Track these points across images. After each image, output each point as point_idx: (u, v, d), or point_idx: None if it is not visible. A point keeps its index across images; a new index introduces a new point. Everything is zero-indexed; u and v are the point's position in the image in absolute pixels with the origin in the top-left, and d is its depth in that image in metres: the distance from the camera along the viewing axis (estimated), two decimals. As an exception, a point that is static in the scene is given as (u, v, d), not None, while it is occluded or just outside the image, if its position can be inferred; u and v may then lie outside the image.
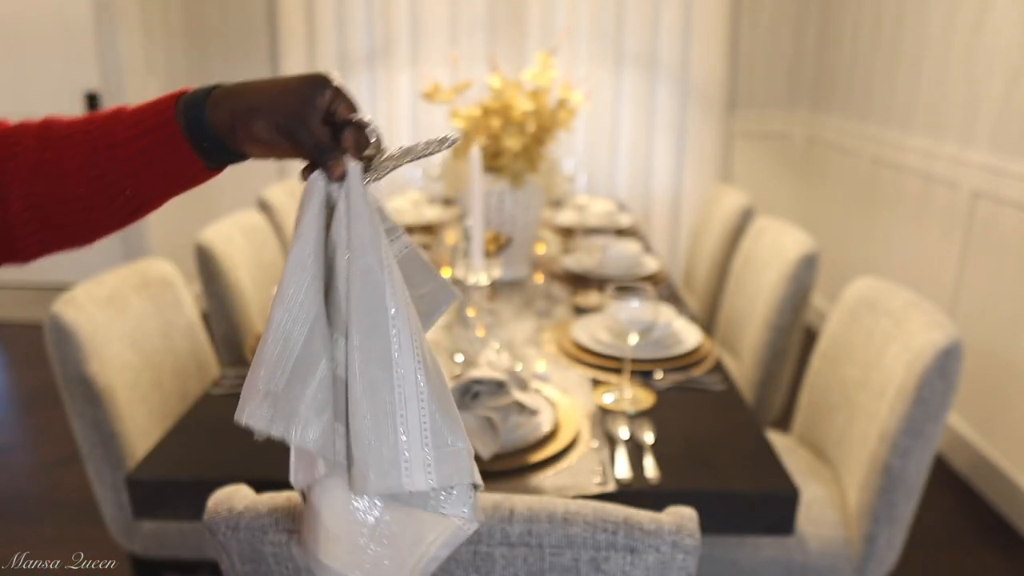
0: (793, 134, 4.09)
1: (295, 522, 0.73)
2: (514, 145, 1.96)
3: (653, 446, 1.23)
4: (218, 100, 0.68)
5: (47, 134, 0.70)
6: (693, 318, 1.83)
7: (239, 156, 0.71)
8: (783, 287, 1.93)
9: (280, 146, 0.68)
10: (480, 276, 1.53)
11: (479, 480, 0.66)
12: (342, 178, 0.65)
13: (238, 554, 0.76)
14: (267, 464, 1.13)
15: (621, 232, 2.75)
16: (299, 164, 0.71)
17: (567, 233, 2.69)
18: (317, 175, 0.66)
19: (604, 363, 1.53)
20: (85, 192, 0.69)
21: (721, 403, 1.41)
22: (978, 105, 2.54)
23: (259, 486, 0.81)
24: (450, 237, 2.36)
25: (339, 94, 0.67)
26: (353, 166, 0.66)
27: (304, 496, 0.68)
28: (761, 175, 4.13)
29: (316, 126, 0.66)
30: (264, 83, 0.68)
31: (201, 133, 0.68)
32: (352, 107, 0.68)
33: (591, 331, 1.65)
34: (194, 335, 1.76)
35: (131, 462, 1.44)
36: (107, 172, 0.69)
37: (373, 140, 0.68)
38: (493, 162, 2.03)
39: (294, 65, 3.89)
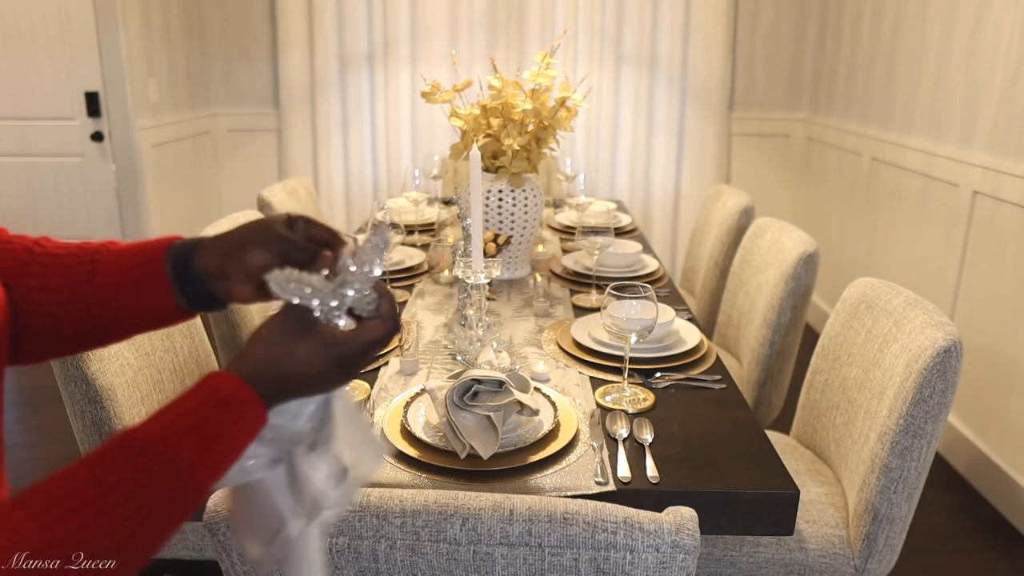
0: (792, 134, 4.09)
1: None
2: (514, 145, 1.96)
3: (653, 446, 1.23)
4: (207, 246, 0.72)
5: (38, 249, 0.73)
6: (693, 318, 1.83)
7: (219, 302, 0.73)
8: (783, 287, 1.93)
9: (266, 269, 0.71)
10: (480, 276, 1.53)
11: (381, 450, 0.72)
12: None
13: (238, 554, 0.76)
14: (267, 464, 1.13)
15: (621, 232, 2.75)
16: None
17: (567, 233, 2.69)
18: None
19: (604, 363, 1.53)
20: (58, 311, 0.72)
21: (721, 403, 1.40)
22: (978, 105, 2.54)
23: (259, 486, 0.81)
24: (450, 237, 2.36)
25: (310, 221, 0.71)
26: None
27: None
28: (761, 175, 4.13)
29: (302, 245, 0.69)
30: (242, 225, 0.72)
31: (186, 275, 0.71)
32: (327, 229, 0.71)
33: (591, 331, 1.65)
34: (194, 335, 1.76)
35: (131, 462, 1.44)
36: (85, 295, 0.71)
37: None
38: (493, 162, 2.03)
39: (294, 65, 3.89)
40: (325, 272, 0.67)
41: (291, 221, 0.71)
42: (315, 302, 0.64)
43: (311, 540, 0.65)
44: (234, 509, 0.70)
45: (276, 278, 0.63)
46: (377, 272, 0.67)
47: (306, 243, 0.69)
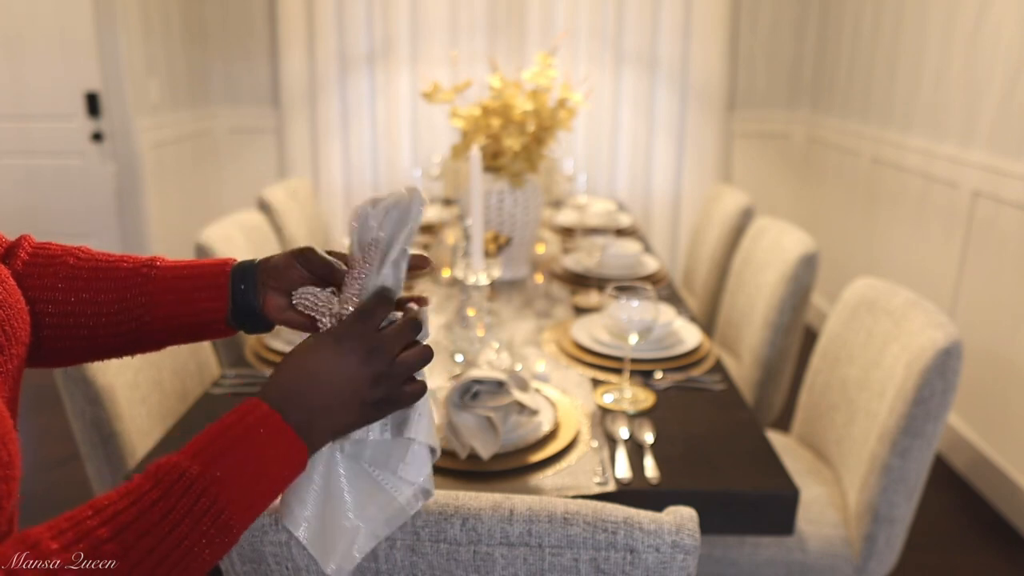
0: (793, 134, 4.09)
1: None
2: (514, 145, 1.96)
3: (653, 446, 1.23)
4: (262, 265, 0.77)
5: (85, 255, 0.78)
6: (693, 318, 1.83)
7: (264, 323, 0.78)
8: (783, 287, 1.93)
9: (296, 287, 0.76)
10: (480, 276, 1.53)
11: (436, 443, 0.72)
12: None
13: (238, 554, 0.76)
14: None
15: (621, 232, 2.75)
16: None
17: (567, 233, 2.69)
18: None
19: (604, 363, 1.53)
20: (104, 310, 0.75)
21: (721, 403, 1.40)
22: (978, 105, 2.54)
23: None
24: (450, 237, 2.36)
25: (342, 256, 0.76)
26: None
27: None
28: (761, 175, 4.13)
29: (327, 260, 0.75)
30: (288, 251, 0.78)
31: (244, 280, 0.76)
32: (344, 258, 0.75)
33: (591, 331, 1.65)
34: (194, 335, 1.76)
35: (131, 462, 1.44)
36: (138, 306, 0.76)
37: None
38: (493, 162, 2.03)
39: (294, 65, 3.89)
40: (331, 290, 0.73)
41: (330, 253, 0.76)
42: (322, 309, 0.71)
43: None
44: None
45: (296, 291, 0.72)
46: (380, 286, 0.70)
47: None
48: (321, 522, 0.67)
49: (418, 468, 0.71)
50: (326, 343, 0.66)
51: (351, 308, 0.68)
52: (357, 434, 0.69)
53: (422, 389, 0.69)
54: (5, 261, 0.76)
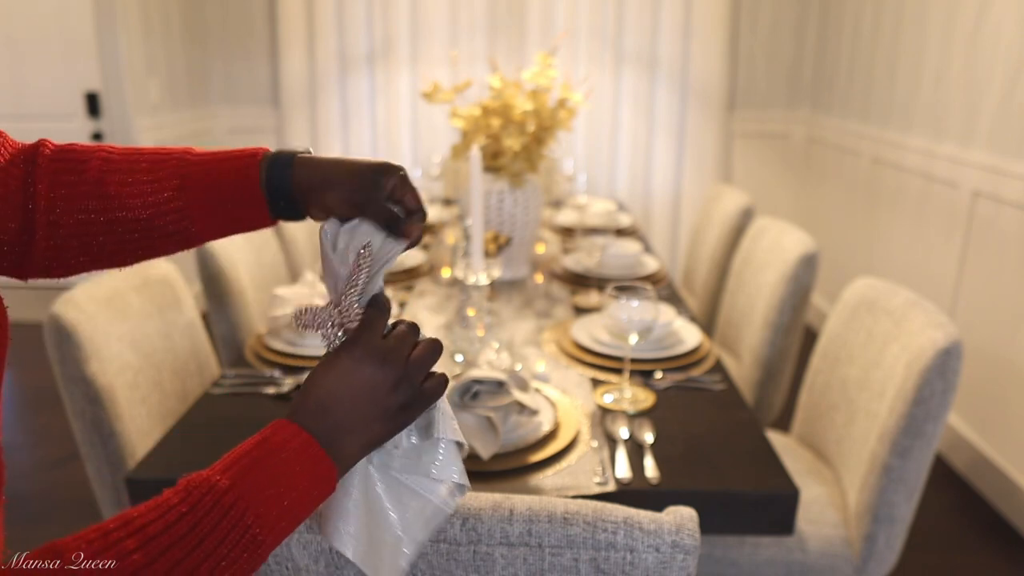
0: (793, 134, 4.09)
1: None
2: (514, 145, 1.96)
3: (653, 446, 1.23)
4: (301, 164, 0.71)
5: (113, 153, 0.72)
6: (693, 318, 1.83)
7: (300, 215, 0.74)
8: (783, 287, 1.93)
9: (344, 215, 0.72)
10: (480, 276, 1.53)
11: (462, 438, 0.71)
12: (416, 241, 0.71)
13: (238, 554, 0.76)
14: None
15: (621, 232, 2.75)
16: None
17: (567, 233, 2.69)
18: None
19: (604, 363, 1.53)
20: (138, 215, 0.71)
21: (721, 403, 1.40)
22: (978, 105, 2.54)
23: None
24: (450, 237, 2.36)
25: (405, 182, 0.71)
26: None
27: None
28: (761, 175, 4.13)
29: (383, 205, 0.69)
30: (339, 161, 0.71)
31: (279, 187, 0.71)
32: (416, 198, 0.71)
33: (591, 331, 1.65)
34: (194, 335, 1.76)
35: (131, 462, 1.44)
36: (175, 209, 0.71)
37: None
38: (493, 162, 2.03)
39: (294, 65, 3.89)
40: (326, 302, 0.71)
41: (389, 175, 0.70)
42: (325, 323, 0.69)
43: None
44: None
45: (297, 309, 0.70)
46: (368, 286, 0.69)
47: (384, 207, 0.69)
48: (367, 537, 0.67)
49: (449, 465, 0.71)
50: (341, 359, 0.66)
51: (353, 316, 0.68)
52: (386, 446, 0.69)
53: (444, 381, 0.69)
54: (25, 170, 0.71)
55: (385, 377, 0.65)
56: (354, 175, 0.69)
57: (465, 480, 0.71)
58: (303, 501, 0.60)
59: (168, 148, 0.74)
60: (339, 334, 0.68)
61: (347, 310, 0.68)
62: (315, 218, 0.73)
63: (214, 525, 0.55)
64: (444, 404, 0.71)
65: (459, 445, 0.72)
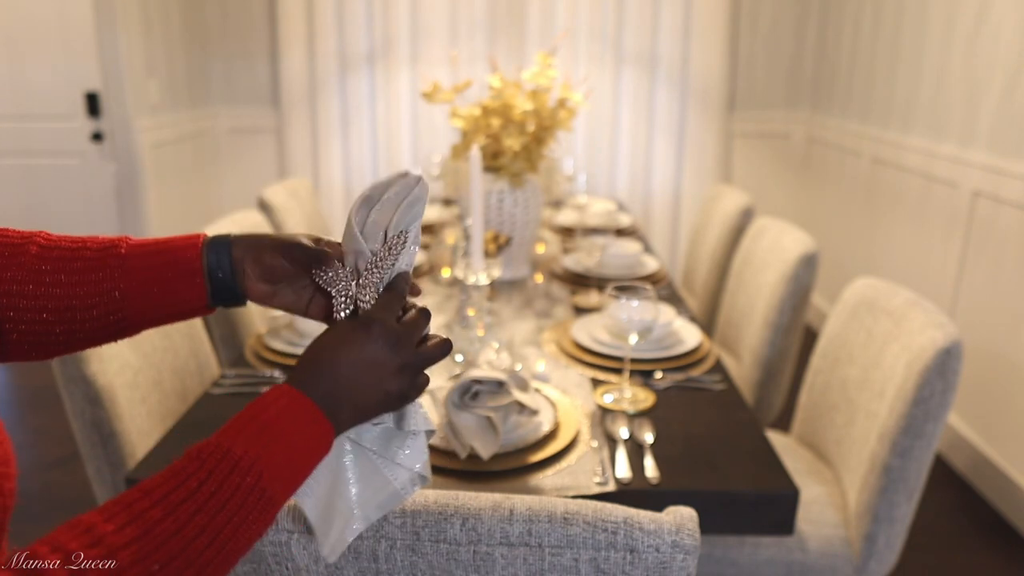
0: (793, 134, 4.09)
1: (294, 523, 0.73)
2: (514, 145, 1.96)
3: (653, 446, 1.23)
4: (237, 242, 0.74)
5: (49, 244, 0.72)
6: (693, 318, 1.83)
7: (240, 298, 0.76)
8: (783, 287, 1.93)
9: (281, 279, 0.75)
10: (480, 276, 1.53)
11: (433, 426, 0.74)
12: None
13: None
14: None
15: (621, 232, 2.75)
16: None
17: (567, 233, 2.69)
18: None
19: (604, 363, 1.53)
20: (80, 304, 0.71)
21: (721, 403, 1.40)
22: (978, 105, 2.54)
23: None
24: (450, 237, 2.36)
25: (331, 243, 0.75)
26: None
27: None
28: (761, 175, 4.13)
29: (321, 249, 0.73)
30: (270, 234, 0.76)
31: (219, 265, 0.73)
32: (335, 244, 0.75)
33: (591, 331, 1.65)
34: (194, 335, 1.76)
35: (131, 462, 1.44)
36: (111, 291, 0.71)
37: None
38: (493, 162, 2.03)
39: (294, 65, 3.89)
40: (351, 270, 0.72)
41: (316, 240, 0.75)
42: (340, 288, 0.70)
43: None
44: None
45: (322, 267, 0.71)
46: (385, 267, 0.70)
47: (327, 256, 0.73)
48: (326, 503, 0.69)
49: (416, 455, 0.73)
50: (356, 333, 0.67)
51: (369, 295, 0.69)
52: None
53: (427, 383, 0.71)
54: None
55: (392, 360, 0.67)
56: (290, 240, 0.73)
57: (428, 472, 0.73)
58: (307, 461, 0.63)
59: (97, 248, 0.73)
60: (349, 306, 0.69)
61: (364, 289, 0.69)
62: (253, 292, 0.75)
63: (234, 489, 0.57)
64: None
65: (429, 433, 0.74)
